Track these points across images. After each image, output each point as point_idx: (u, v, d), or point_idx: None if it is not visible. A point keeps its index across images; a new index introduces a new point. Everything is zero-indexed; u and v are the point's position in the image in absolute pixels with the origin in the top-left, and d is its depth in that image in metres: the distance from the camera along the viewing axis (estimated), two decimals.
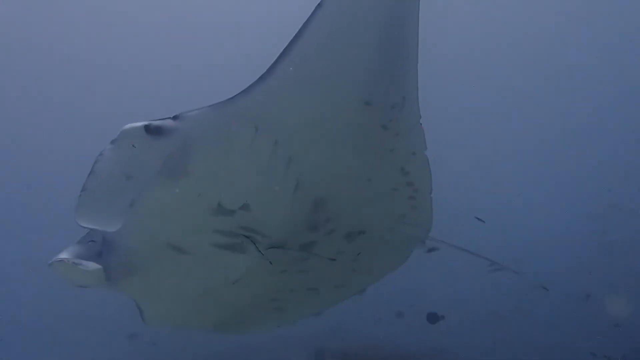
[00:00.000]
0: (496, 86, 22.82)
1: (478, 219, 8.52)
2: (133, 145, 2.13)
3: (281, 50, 2.13)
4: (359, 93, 2.28)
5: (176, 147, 2.17)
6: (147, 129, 2.14)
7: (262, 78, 2.15)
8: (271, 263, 2.52)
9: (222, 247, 2.42)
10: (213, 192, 2.29)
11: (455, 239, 2.97)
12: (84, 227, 2.11)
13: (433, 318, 10.08)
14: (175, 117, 2.21)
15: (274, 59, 2.15)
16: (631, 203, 17.75)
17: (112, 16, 20.70)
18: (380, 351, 10.84)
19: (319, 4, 2.08)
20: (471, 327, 13.23)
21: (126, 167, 2.12)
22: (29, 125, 20.91)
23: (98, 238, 2.35)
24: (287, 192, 2.41)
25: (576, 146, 22.02)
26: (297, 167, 2.38)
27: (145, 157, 2.14)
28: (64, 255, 2.20)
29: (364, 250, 2.76)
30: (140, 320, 2.63)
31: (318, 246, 2.61)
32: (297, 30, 2.11)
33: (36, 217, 18.91)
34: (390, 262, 2.99)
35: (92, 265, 2.21)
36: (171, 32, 21.09)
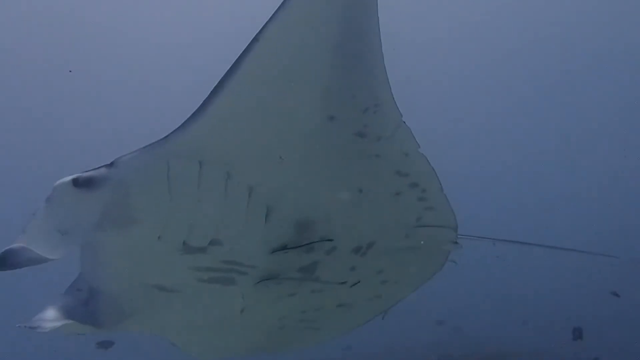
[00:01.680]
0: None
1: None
2: (63, 202, 2.05)
3: None
4: (317, 111, 2.13)
5: (112, 196, 2.08)
6: (75, 182, 2.06)
7: (200, 110, 2.03)
8: (266, 291, 2.43)
9: (210, 281, 2.33)
10: (172, 234, 2.18)
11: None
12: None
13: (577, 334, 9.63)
14: (110, 164, 2.11)
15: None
16: None
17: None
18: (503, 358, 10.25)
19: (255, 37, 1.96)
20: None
21: (59, 225, 2.05)
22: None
23: (84, 286, 2.30)
24: (258, 221, 2.26)
25: None
26: (261, 194, 2.23)
27: (76, 212, 2.07)
28: (45, 317, 2.14)
29: (383, 262, 2.61)
30: None
31: (322, 266, 2.48)
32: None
33: None
34: (424, 268, 2.79)
35: (72, 321, 2.13)
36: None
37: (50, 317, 2.17)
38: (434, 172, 2.43)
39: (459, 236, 2.71)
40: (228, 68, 2.01)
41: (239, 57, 1.97)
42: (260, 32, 1.93)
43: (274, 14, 1.93)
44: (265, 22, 1.95)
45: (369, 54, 2.10)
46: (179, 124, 2.12)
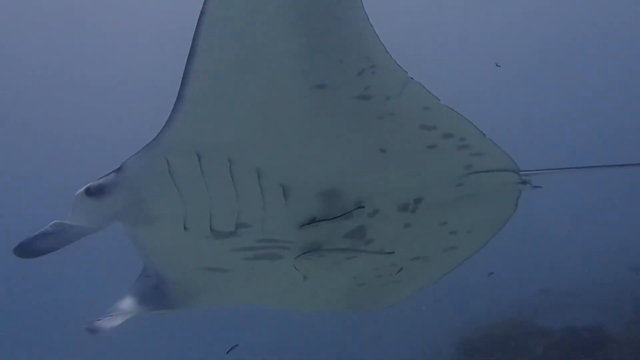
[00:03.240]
0: None
1: None
2: (81, 211, 2.15)
3: None
4: (301, 82, 1.99)
5: (125, 199, 2.16)
6: (88, 192, 2.14)
7: (177, 102, 1.96)
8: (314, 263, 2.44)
9: (256, 258, 2.38)
10: (194, 224, 2.22)
11: None
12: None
13: None
14: (118, 169, 2.16)
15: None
16: None
17: None
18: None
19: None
20: None
21: (82, 232, 2.16)
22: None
23: (152, 272, 2.45)
24: (277, 200, 2.23)
25: None
26: (272, 174, 2.18)
27: (94, 219, 2.17)
28: (122, 306, 2.32)
29: (442, 214, 2.53)
30: None
31: (371, 228, 2.44)
32: None
33: None
34: (494, 214, 2.67)
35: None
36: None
37: (126, 305, 2.35)
38: (467, 120, 2.27)
39: (527, 172, 2.54)
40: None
41: (194, 36, 1.82)
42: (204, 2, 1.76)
43: None
44: None
45: (348, 14, 1.91)
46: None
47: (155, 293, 2.44)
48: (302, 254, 2.39)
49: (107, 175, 2.17)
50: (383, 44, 1.93)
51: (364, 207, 2.36)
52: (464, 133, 2.28)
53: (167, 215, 2.20)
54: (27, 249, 2.05)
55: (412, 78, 2.06)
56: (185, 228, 2.22)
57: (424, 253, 2.69)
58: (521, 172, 2.52)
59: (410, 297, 2.91)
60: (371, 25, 1.89)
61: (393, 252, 2.57)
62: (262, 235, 2.31)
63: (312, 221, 2.31)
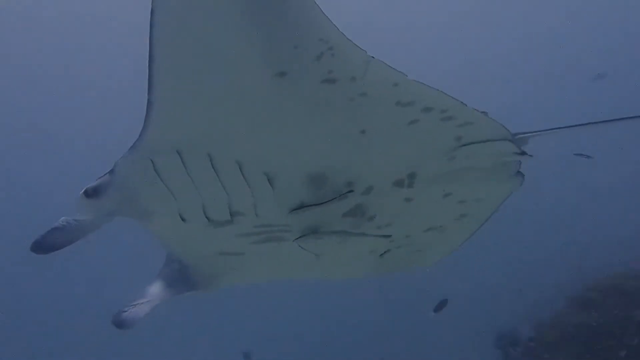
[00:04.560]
0: None
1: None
2: (83, 211, 2.31)
3: None
4: (259, 73, 1.99)
5: (120, 198, 2.30)
6: (86, 193, 2.30)
7: (147, 105, 2.03)
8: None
9: (261, 242, 2.48)
10: (189, 215, 2.34)
11: None
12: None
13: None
14: (110, 170, 2.30)
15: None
16: None
17: None
18: None
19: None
20: None
21: (88, 228, 2.33)
22: None
23: (174, 257, 2.61)
24: (264, 189, 2.28)
25: None
26: (252, 165, 2.24)
27: (96, 217, 2.33)
28: (150, 293, 2.48)
29: (442, 186, 2.51)
30: None
31: (370, 205, 2.46)
32: None
33: None
34: (500, 182, 2.61)
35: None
36: None
37: (153, 292, 2.51)
38: (443, 92, 2.23)
39: (521, 134, 2.48)
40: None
41: (149, 38, 1.85)
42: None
43: None
44: None
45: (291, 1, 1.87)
46: None
47: (180, 277, 2.58)
48: (300, 237, 2.43)
49: (102, 176, 2.31)
50: (336, 26, 1.91)
51: (352, 190, 2.37)
52: (443, 105, 2.23)
53: (160, 209, 2.32)
54: (41, 246, 2.21)
55: (372, 57, 2.04)
56: (183, 220, 2.34)
57: (436, 223, 2.68)
58: (517, 135, 2.46)
59: None
60: (319, 7, 1.88)
61: (390, 236, 2.59)
62: (258, 221, 2.38)
63: (301, 206, 2.35)
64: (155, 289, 2.53)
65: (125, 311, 2.37)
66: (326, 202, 2.36)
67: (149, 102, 2.00)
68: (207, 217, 2.34)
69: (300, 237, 2.44)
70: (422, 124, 2.26)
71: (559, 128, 2.50)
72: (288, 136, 2.19)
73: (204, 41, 1.88)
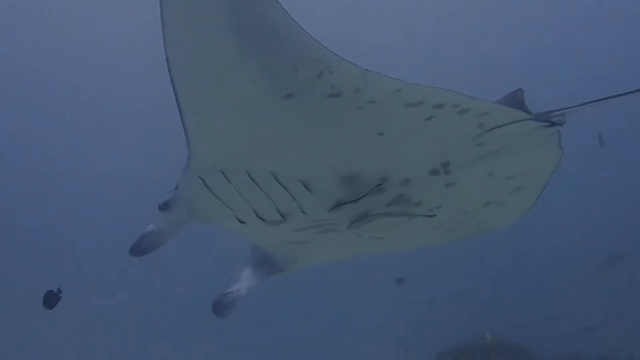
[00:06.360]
0: None
1: None
2: (161, 221, 2.77)
3: None
4: (268, 98, 2.17)
5: (185, 210, 2.70)
6: (160, 207, 2.73)
7: (185, 132, 2.30)
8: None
9: (320, 232, 2.72)
10: (245, 219, 2.63)
11: None
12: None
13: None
14: (175, 187, 2.69)
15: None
16: None
17: None
18: None
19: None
20: None
21: (168, 234, 2.79)
22: None
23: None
24: (302, 193, 2.47)
25: None
26: (287, 175, 2.43)
27: (171, 225, 2.77)
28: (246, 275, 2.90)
29: (482, 167, 2.55)
30: None
31: (412, 194, 2.56)
32: None
33: None
34: (542, 155, 2.61)
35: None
36: None
37: (244, 277, 2.90)
38: (448, 90, 2.28)
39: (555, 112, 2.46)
40: None
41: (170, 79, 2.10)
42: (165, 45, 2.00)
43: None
44: None
45: (280, 29, 2.01)
46: None
47: (266, 262, 2.95)
48: (351, 223, 2.60)
49: (170, 192, 2.72)
50: (325, 46, 2.03)
51: (381, 184, 2.48)
52: (454, 100, 2.27)
53: (221, 216, 2.65)
54: (137, 249, 2.73)
55: (367, 70, 2.13)
56: (240, 222, 2.65)
57: (491, 199, 2.73)
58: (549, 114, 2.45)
59: None
60: (307, 32, 2.00)
61: (435, 215, 2.67)
62: (308, 218, 2.60)
63: (338, 205, 2.52)
64: (246, 274, 2.91)
65: (224, 298, 2.76)
66: (362, 197, 2.50)
67: (185, 130, 2.29)
68: (261, 219, 2.60)
69: (351, 224, 2.61)
70: (438, 119, 2.31)
71: (586, 103, 2.45)
72: (309, 147, 2.35)
73: (215, 75, 2.12)
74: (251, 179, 2.43)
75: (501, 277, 15.46)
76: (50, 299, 5.38)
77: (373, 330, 15.20)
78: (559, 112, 2.44)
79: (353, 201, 2.50)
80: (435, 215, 2.67)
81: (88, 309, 16.24)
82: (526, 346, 10.46)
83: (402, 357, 11.82)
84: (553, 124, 2.43)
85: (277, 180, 2.43)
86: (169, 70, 2.05)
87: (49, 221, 19.02)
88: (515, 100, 2.51)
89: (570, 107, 2.44)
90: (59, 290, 5.41)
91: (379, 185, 2.47)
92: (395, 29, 21.85)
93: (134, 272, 14.25)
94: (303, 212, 2.55)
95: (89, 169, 20.51)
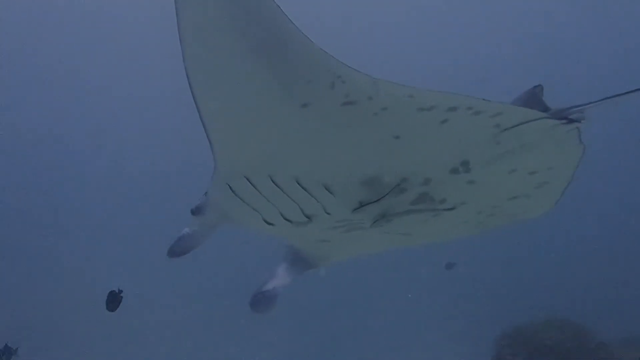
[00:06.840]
0: None
1: None
2: (194, 225, 2.93)
3: None
4: (285, 108, 2.25)
5: (216, 214, 2.86)
6: (192, 212, 2.89)
7: (210, 143, 2.42)
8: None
9: (345, 231, 2.81)
10: (274, 221, 2.73)
11: None
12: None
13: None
14: (205, 193, 2.84)
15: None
16: None
17: None
18: None
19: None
20: None
21: (202, 237, 2.95)
22: None
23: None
24: (325, 196, 2.56)
25: None
26: (309, 179, 2.52)
27: (204, 227, 2.93)
28: (279, 273, 3.05)
29: (503, 165, 2.56)
30: None
31: (435, 192, 2.62)
32: None
33: None
34: (564, 150, 2.58)
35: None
36: None
37: (280, 273, 3.06)
38: (459, 94, 2.30)
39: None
40: None
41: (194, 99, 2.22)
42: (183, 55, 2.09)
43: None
44: None
45: (293, 46, 2.08)
46: None
47: (300, 258, 3.10)
48: (374, 222, 2.68)
49: (201, 197, 2.87)
50: (334, 57, 2.10)
51: (399, 184, 2.53)
52: (466, 103, 2.28)
53: (249, 219, 2.78)
54: (174, 251, 2.89)
55: (377, 79, 2.18)
56: (268, 224, 2.77)
57: (517, 193, 2.73)
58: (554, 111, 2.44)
59: None
60: (316, 45, 2.07)
61: (454, 208, 2.69)
62: (333, 218, 2.68)
63: (361, 205, 2.60)
64: (281, 271, 3.05)
65: (261, 294, 2.90)
66: (384, 197, 2.57)
67: (209, 142, 2.41)
68: (287, 220, 2.71)
69: (374, 223, 2.69)
70: (453, 121, 2.33)
71: (602, 100, 2.41)
72: (328, 152, 2.43)
73: (239, 101, 2.25)
74: (275, 184, 2.54)
75: (559, 260, 15.14)
76: (113, 300, 5.34)
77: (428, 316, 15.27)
78: (578, 108, 2.41)
79: (375, 201, 2.58)
80: (454, 208, 2.69)
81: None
82: (588, 325, 10.23)
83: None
84: (571, 121, 2.40)
85: (299, 184, 2.52)
86: (191, 90, 2.18)
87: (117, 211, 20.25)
88: (534, 96, 2.50)
89: (589, 103, 2.41)
90: (120, 291, 5.36)
91: (399, 185, 2.53)
92: (402, 30, 22.32)
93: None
94: (327, 213, 2.64)
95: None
